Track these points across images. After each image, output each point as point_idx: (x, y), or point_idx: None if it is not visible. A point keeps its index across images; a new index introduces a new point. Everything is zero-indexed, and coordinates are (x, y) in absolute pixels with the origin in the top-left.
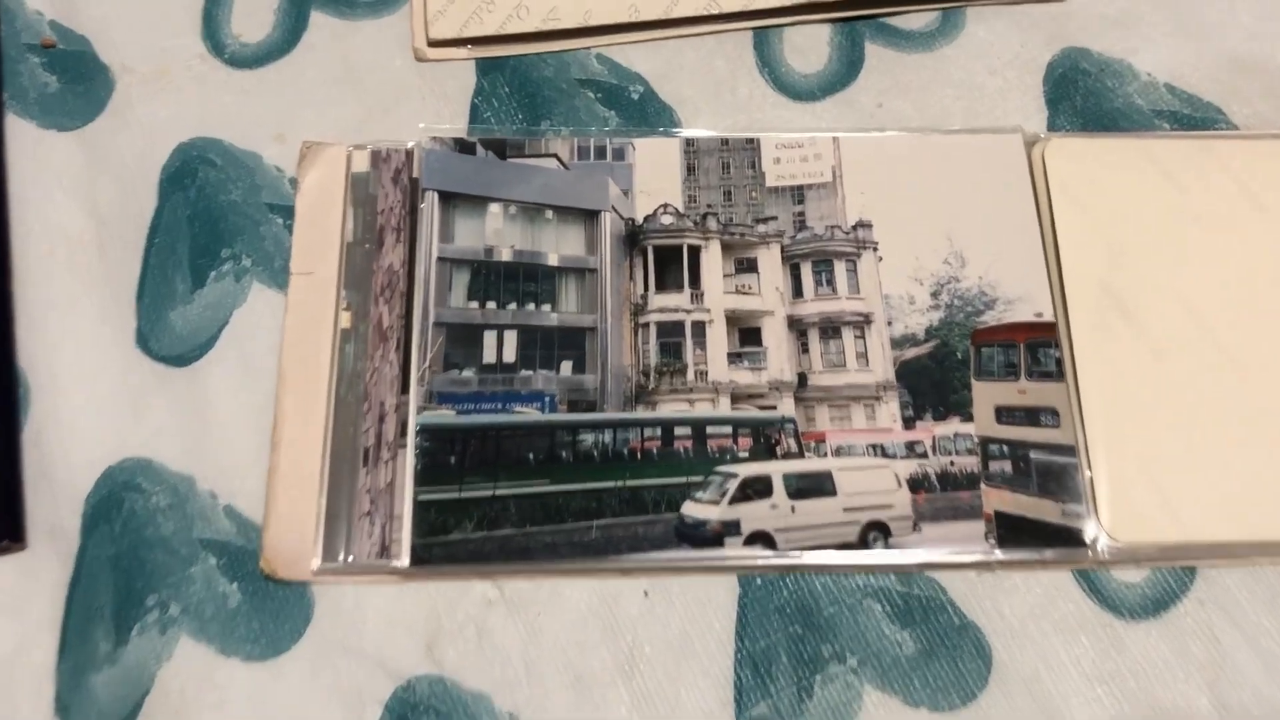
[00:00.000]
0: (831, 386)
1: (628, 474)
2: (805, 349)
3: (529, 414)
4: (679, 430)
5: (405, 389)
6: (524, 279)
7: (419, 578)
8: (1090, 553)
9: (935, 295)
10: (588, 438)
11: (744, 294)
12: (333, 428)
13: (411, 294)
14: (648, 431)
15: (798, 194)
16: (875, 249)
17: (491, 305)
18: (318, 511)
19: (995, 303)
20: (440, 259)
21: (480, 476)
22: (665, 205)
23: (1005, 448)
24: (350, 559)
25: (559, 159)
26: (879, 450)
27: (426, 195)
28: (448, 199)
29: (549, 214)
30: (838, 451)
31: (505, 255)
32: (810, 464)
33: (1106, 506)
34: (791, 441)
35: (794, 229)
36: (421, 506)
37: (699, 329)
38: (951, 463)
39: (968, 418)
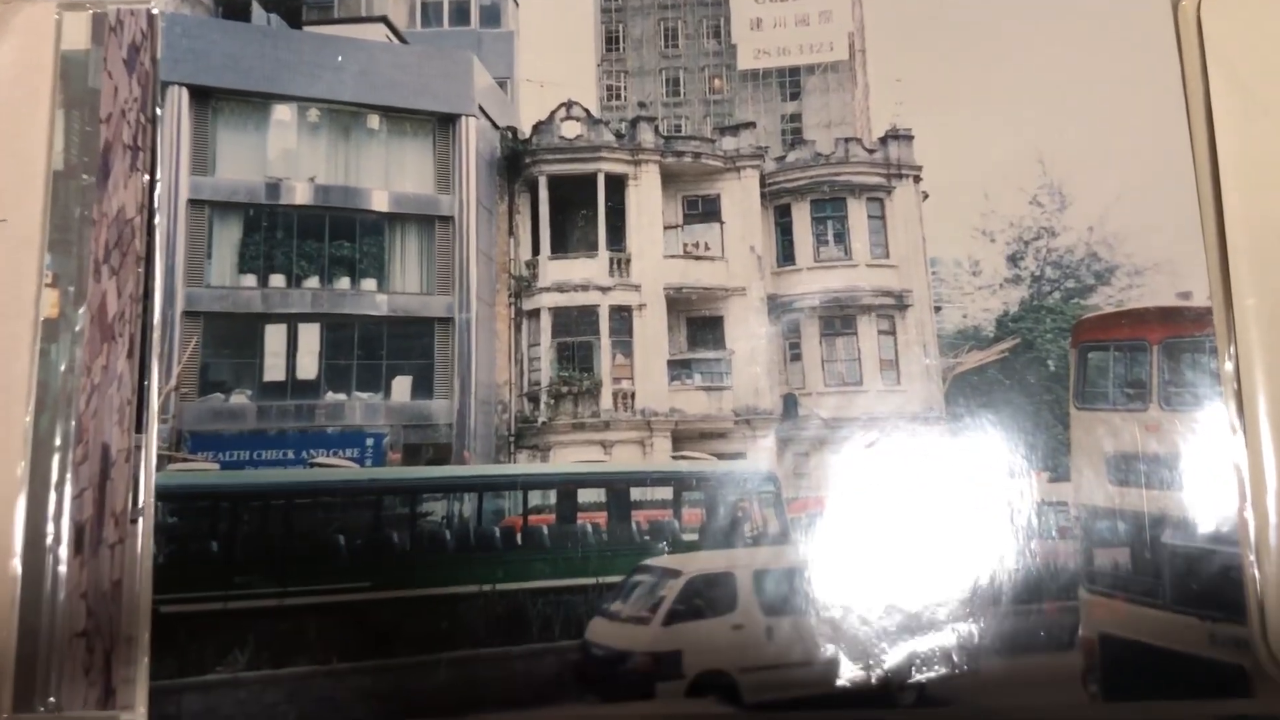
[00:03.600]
0: (839, 419)
1: (500, 571)
2: (797, 353)
3: (339, 468)
4: (585, 496)
5: (141, 424)
6: (332, 235)
7: None
8: (1254, 699)
9: (1015, 260)
10: (435, 509)
11: (698, 258)
12: (29, 488)
13: (152, 260)
14: (534, 498)
15: (791, 83)
16: (917, 179)
17: (278, 281)
18: (6, 627)
19: (1113, 273)
20: (194, 201)
21: (260, 575)
22: (569, 104)
23: (1122, 526)
24: (56, 706)
25: (390, 25)
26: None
27: (169, 93)
28: (204, 99)
29: (374, 122)
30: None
31: (301, 195)
32: (800, 555)
33: None
34: (770, 514)
35: (784, 145)
36: (166, 624)
37: (622, 319)
38: (1032, 549)
39: (1061, 473)
